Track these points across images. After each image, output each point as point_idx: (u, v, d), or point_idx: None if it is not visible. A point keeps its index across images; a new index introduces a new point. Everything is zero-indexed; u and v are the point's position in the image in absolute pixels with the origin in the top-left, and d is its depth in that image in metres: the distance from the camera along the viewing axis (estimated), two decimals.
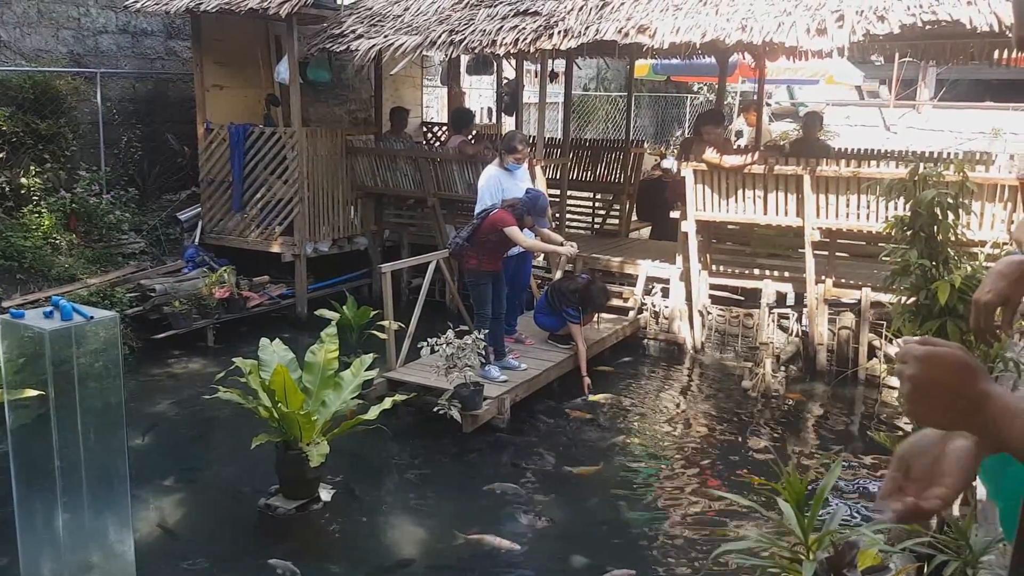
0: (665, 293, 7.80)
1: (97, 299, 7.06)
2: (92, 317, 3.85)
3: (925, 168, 4.28)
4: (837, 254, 7.14)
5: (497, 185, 6.68)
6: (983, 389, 0.95)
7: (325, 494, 4.82)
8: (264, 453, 4.78)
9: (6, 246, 7.42)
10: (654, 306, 7.86)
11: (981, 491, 2.96)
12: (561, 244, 6.62)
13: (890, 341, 6.57)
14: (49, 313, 3.77)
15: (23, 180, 7.97)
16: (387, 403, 5.00)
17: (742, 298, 7.66)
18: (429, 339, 5.79)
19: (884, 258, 4.29)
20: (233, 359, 5.04)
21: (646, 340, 7.91)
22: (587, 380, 6.66)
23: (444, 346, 5.69)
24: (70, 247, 7.94)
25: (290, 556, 4.35)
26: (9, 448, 3.83)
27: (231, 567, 4.33)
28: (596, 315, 7.33)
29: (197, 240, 8.87)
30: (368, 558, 4.49)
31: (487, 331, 6.15)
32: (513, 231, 6.12)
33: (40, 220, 7.86)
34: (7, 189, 7.94)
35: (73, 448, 3.75)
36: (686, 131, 17.72)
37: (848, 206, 6.74)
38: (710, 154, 7.20)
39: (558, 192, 9.23)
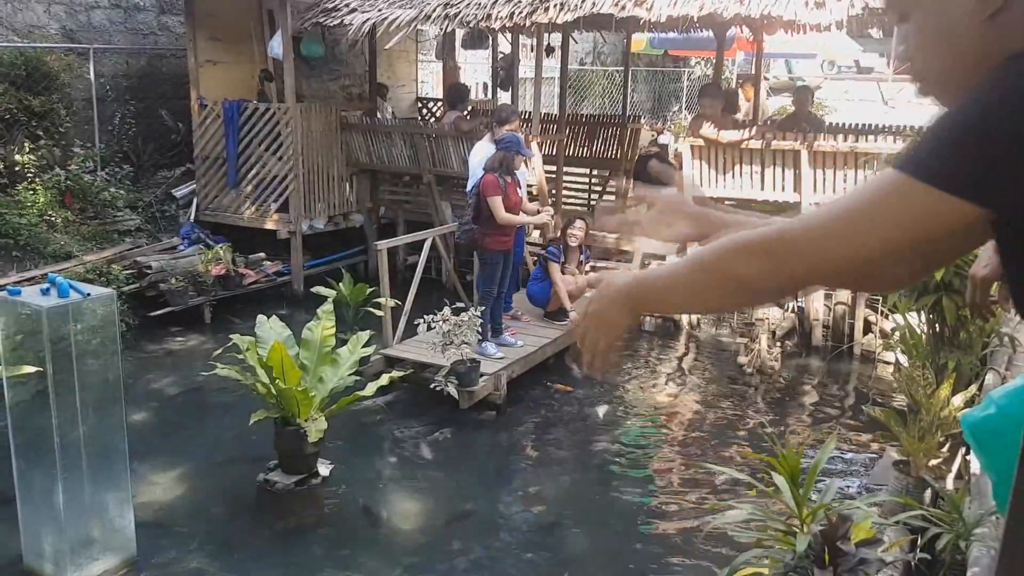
0: None
1: (93, 276, 7.04)
2: (89, 294, 3.85)
3: None
4: None
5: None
6: (620, 283, 1.14)
7: (324, 469, 4.85)
8: (263, 429, 4.81)
9: (2, 223, 7.38)
10: None
11: (975, 465, 2.99)
12: (536, 213, 6.61)
13: (886, 316, 6.60)
14: (46, 290, 3.77)
15: (17, 157, 7.91)
16: (384, 379, 5.02)
17: None
18: (426, 316, 5.80)
19: None
20: (230, 336, 5.05)
21: (642, 317, 7.93)
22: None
23: (441, 323, 5.70)
24: (66, 224, 7.90)
25: (289, 530, 4.39)
26: (8, 424, 3.84)
27: (231, 540, 4.37)
28: (582, 261, 7.25)
29: (192, 217, 8.83)
30: (366, 531, 4.54)
31: (483, 308, 6.15)
32: (495, 202, 6.07)
33: (35, 197, 7.81)
34: (1, 166, 7.88)
35: (72, 424, 3.76)
36: (683, 106, 17.63)
37: (846, 181, 6.73)
38: (708, 130, 7.17)
39: (554, 168, 9.19)
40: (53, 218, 7.82)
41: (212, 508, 4.70)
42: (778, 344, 6.95)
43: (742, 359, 6.82)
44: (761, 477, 2.77)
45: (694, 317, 7.60)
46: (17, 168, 7.91)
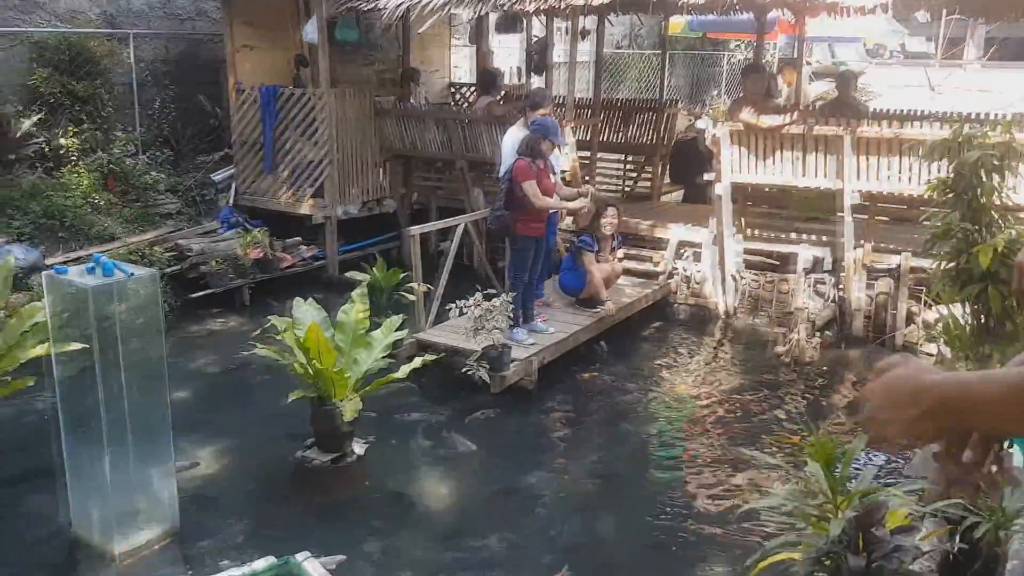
0: (697, 258, 7.73)
1: (136, 258, 7.20)
2: (133, 274, 3.94)
3: (969, 129, 4.16)
4: (876, 217, 7.00)
5: None
6: (929, 380, 0.99)
7: (358, 448, 4.93)
8: (299, 408, 4.90)
9: (48, 205, 7.58)
10: (685, 271, 7.80)
11: (1017, 457, 2.94)
12: (576, 197, 6.58)
13: (928, 307, 6.47)
14: (91, 269, 3.87)
15: (62, 140, 8.11)
16: (416, 363, 5.08)
17: (776, 263, 7.57)
18: (457, 301, 5.83)
19: (925, 222, 4.20)
20: (268, 317, 5.15)
21: (676, 305, 7.86)
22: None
23: (472, 308, 5.73)
24: (109, 207, 8.08)
25: (325, 505, 4.48)
26: (57, 399, 3.97)
27: (269, 513, 4.47)
28: (614, 248, 7.21)
29: (231, 201, 8.97)
30: (399, 508, 4.60)
31: (515, 293, 6.16)
32: (530, 187, 6.05)
33: (79, 180, 8.00)
34: (47, 149, 8.08)
35: (117, 400, 3.87)
36: (722, 91, 17.36)
37: (889, 168, 6.59)
38: (747, 114, 7.06)
39: (588, 154, 9.14)
40: (97, 200, 8.00)
41: (251, 483, 4.80)
42: (817, 334, 6.85)
43: (779, 349, 6.74)
44: (795, 464, 2.76)
45: (729, 304, 7.53)
46: (62, 151, 8.11)
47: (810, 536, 2.32)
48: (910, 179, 6.52)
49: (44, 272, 4.10)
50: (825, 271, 7.27)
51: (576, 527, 4.49)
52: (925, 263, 5.97)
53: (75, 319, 3.89)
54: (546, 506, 4.66)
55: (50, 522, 4.13)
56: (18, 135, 7.78)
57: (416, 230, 6.54)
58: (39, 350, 4.56)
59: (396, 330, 5.24)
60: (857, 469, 2.56)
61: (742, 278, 7.52)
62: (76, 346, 3.89)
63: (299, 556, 3.74)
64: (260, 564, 3.85)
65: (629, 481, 4.98)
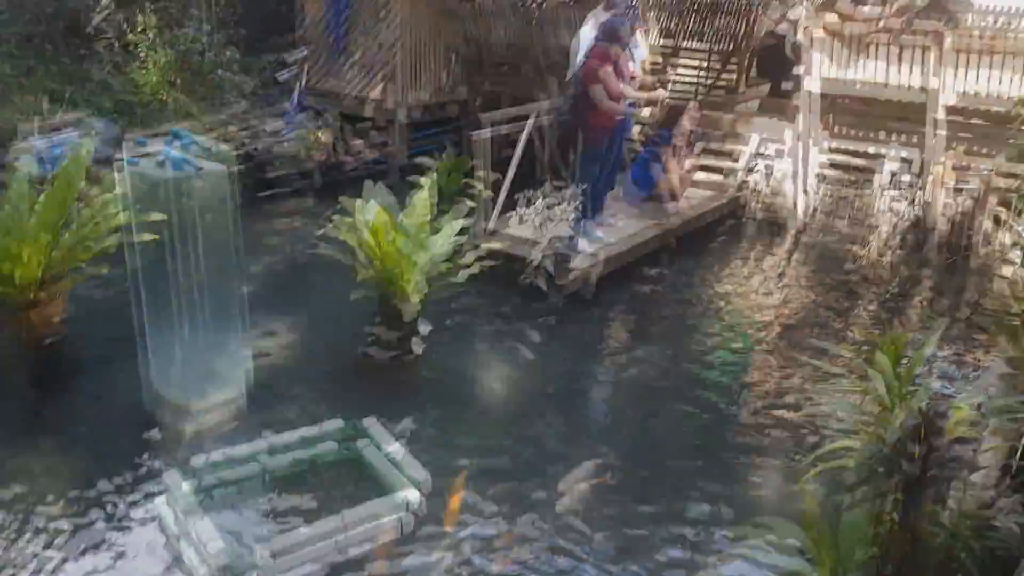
0: (776, 159, 7.42)
1: (211, 137, 7.33)
2: (202, 168, 4.04)
3: None
4: (971, 121, 6.54)
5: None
6: None
7: (418, 347, 5.05)
8: (362, 305, 5.03)
9: (118, 100, 7.76)
10: (763, 173, 7.52)
11: None
12: (654, 89, 6.34)
13: (1009, 228, 6.15)
14: (162, 162, 3.98)
15: (130, 37, 8.20)
16: (476, 268, 5.12)
17: (859, 168, 7.22)
18: (521, 203, 5.79)
19: (1022, 127, 3.92)
20: (332, 216, 5.24)
21: (751, 208, 7.61)
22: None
23: (535, 212, 5.69)
24: (176, 104, 8.21)
25: (385, 397, 4.66)
26: (135, 285, 4.16)
27: (330, 398, 4.67)
28: (691, 143, 6.97)
29: (296, 101, 9.00)
30: (456, 404, 4.75)
31: (582, 197, 6.05)
32: (596, 91, 5.85)
33: (148, 77, 8.12)
34: (115, 46, 8.20)
35: (190, 291, 4.05)
36: None
37: (990, 71, 6.12)
38: (844, 3, 6.58)
39: (663, 55, 8.77)
40: (164, 98, 8.13)
41: (315, 374, 5.00)
42: (891, 250, 6.59)
43: (850, 265, 6.53)
44: (860, 375, 2.71)
45: (806, 209, 7.25)
46: (130, 48, 8.21)
47: (865, 440, 2.30)
48: (1010, 84, 6.06)
49: (117, 163, 4.23)
50: (909, 179, 6.90)
51: (632, 428, 4.57)
52: (1010, 182, 5.64)
53: (149, 207, 4.03)
54: (602, 406, 4.77)
55: (129, 399, 4.41)
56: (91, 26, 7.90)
57: (482, 133, 6.47)
58: (114, 239, 4.77)
59: (459, 232, 5.27)
60: (920, 380, 2.50)
61: (822, 183, 7.22)
62: (150, 236, 4.05)
63: (366, 421, 3.94)
64: (330, 425, 4.10)
65: (688, 385, 5.01)
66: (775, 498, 3.90)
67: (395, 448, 4.01)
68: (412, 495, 3.68)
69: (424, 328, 5.02)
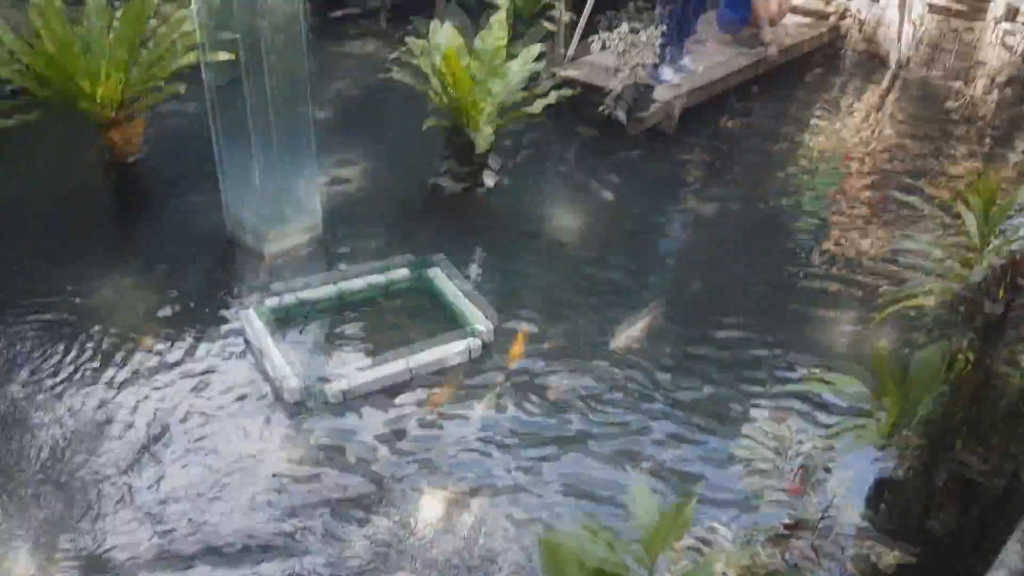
0: None
1: None
2: None
3: None
4: None
5: None
6: None
7: (489, 180, 5.03)
8: (433, 135, 4.98)
9: None
10: (860, 11, 6.89)
11: None
12: None
13: None
14: None
15: None
16: (552, 98, 4.95)
17: (964, 8, 6.52)
18: (601, 34, 5.47)
19: None
20: (406, 40, 5.08)
21: (846, 50, 7.08)
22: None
23: (616, 42, 5.38)
24: None
25: (457, 228, 4.72)
26: (210, 105, 4.20)
27: (401, 227, 4.75)
28: None
29: None
30: (526, 238, 4.77)
31: (664, 28, 5.68)
32: None
33: None
34: None
35: (264, 113, 4.07)
36: None
37: None
38: None
39: None
40: None
41: (387, 204, 5.06)
42: (995, 91, 6.06)
43: (951, 104, 6.05)
44: (950, 216, 2.56)
45: (904, 51, 6.67)
46: None
47: (951, 278, 2.21)
48: None
49: None
50: (1019, 22, 6.22)
51: (707, 270, 4.53)
52: None
53: (222, 29, 3.98)
54: (672, 248, 4.72)
55: (208, 221, 4.59)
56: None
57: None
58: (189, 58, 4.77)
59: (534, 61, 5.07)
60: (1011, 224, 2.35)
61: (923, 23, 6.59)
62: (224, 55, 4.03)
63: (436, 256, 4.07)
64: (400, 260, 4.24)
65: (767, 226, 4.89)
66: (847, 343, 3.88)
67: (463, 281, 4.11)
68: (480, 325, 3.80)
69: (495, 163, 4.96)
